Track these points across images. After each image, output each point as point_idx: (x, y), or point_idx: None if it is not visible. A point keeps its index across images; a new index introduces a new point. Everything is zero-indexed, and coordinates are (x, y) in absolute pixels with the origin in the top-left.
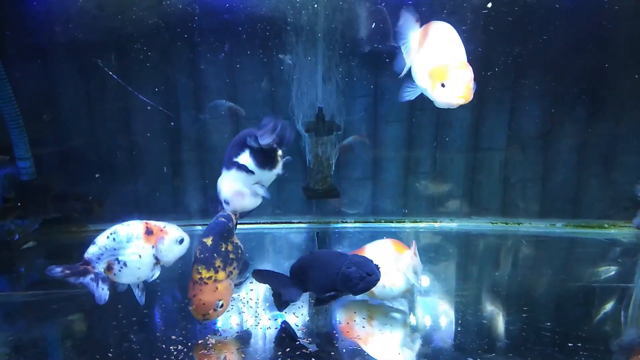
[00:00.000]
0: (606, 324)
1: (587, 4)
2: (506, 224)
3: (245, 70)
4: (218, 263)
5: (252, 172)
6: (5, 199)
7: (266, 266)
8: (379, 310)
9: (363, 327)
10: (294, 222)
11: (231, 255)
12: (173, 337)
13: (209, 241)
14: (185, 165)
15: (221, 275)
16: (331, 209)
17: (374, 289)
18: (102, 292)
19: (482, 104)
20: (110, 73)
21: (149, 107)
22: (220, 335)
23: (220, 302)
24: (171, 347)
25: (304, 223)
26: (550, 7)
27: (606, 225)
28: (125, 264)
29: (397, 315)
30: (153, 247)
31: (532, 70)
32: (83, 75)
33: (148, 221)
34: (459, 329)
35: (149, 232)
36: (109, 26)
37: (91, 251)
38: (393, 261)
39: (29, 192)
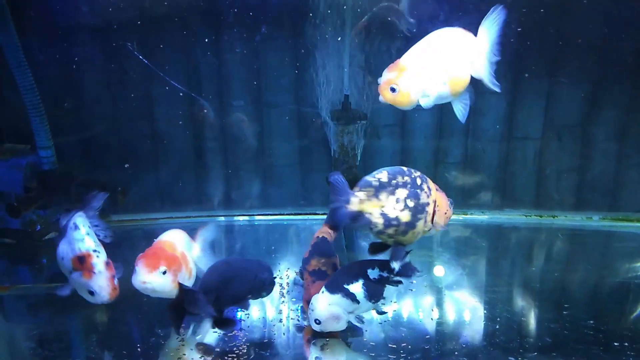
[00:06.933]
0: None
1: None
2: (540, 216)
3: (270, 55)
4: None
5: (357, 302)
6: (27, 189)
7: (289, 258)
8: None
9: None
10: (318, 214)
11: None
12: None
13: None
14: (207, 153)
15: None
16: None
17: None
18: None
19: (516, 90)
20: (141, 57)
21: (180, 94)
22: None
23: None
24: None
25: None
26: None
27: None
28: None
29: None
30: None
31: (571, 54)
32: (105, 61)
33: None
34: (494, 326)
35: None
36: (132, 10)
37: None
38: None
39: (51, 182)
